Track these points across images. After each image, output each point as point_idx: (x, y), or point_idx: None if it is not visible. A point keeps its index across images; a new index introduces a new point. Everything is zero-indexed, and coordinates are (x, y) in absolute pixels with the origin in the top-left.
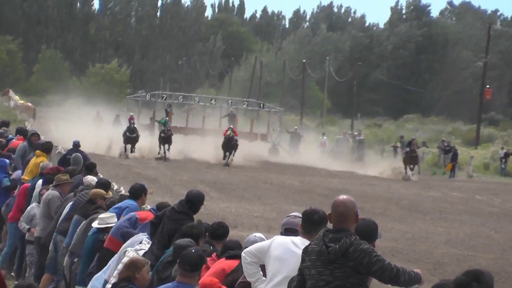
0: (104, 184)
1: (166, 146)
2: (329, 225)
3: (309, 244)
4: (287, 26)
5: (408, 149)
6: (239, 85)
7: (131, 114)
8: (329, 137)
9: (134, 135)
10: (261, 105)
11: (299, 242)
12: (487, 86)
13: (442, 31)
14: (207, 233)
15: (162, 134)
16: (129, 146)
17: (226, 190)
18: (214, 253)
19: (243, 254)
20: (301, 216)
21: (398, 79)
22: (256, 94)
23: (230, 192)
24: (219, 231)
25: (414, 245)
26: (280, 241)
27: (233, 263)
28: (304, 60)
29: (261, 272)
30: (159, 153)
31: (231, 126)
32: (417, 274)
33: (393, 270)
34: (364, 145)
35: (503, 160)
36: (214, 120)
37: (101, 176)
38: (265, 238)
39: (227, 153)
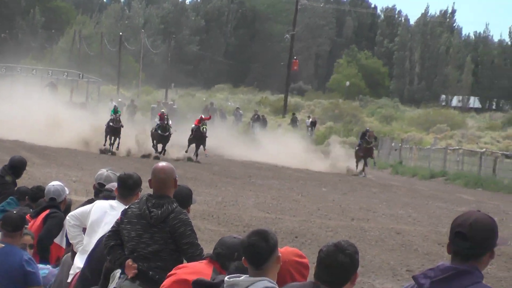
0: None
1: None
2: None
3: (129, 207)
4: (105, 0)
5: (361, 141)
6: (60, 57)
7: (163, 111)
8: (146, 107)
9: (167, 133)
10: (81, 75)
11: (116, 206)
12: (295, 58)
13: (253, 5)
14: (26, 196)
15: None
16: (160, 146)
17: (47, 157)
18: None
19: (67, 217)
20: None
21: (210, 51)
22: (76, 65)
23: (51, 159)
24: (38, 195)
25: (224, 208)
26: (100, 205)
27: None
28: (120, 33)
29: (82, 235)
30: None
31: (202, 116)
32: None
33: (198, 249)
34: (178, 112)
35: (310, 128)
36: (36, 90)
37: None
38: (63, 186)
39: (199, 147)
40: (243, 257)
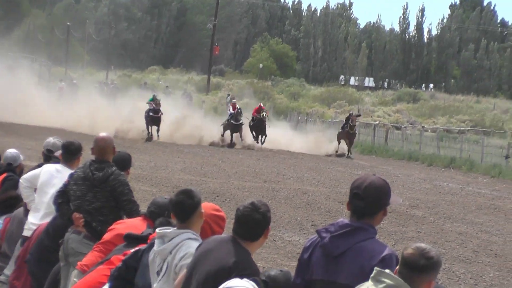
0: None
1: None
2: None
3: (75, 171)
4: None
5: (345, 125)
6: (20, 42)
7: (234, 100)
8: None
9: (240, 122)
10: (34, 59)
11: (61, 169)
12: (216, 44)
13: None
14: None
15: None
16: (236, 135)
17: (10, 130)
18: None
19: (20, 180)
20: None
21: (144, 39)
22: (30, 50)
23: (13, 132)
24: None
25: (156, 172)
26: (47, 169)
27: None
28: (68, 23)
29: (34, 195)
30: None
31: (262, 106)
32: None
33: (135, 205)
34: (118, 90)
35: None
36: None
37: None
38: (19, 153)
39: (259, 136)
40: (171, 213)
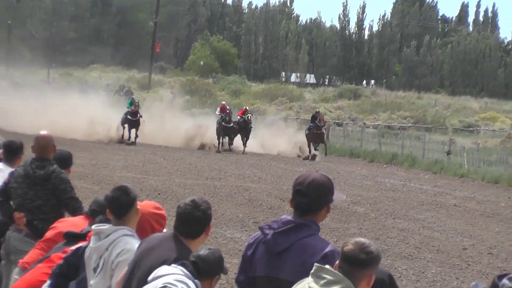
0: None
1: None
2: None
3: (15, 170)
4: None
5: (311, 124)
6: None
7: (223, 102)
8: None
9: (231, 124)
10: None
11: (2, 168)
12: (157, 42)
13: None
14: None
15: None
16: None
17: None
18: None
19: None
20: None
21: (86, 37)
22: None
23: None
24: None
25: (97, 170)
26: None
27: None
28: (9, 22)
29: None
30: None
31: (247, 108)
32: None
33: (78, 202)
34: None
35: (171, 101)
36: None
37: None
38: None
39: (244, 139)
40: (107, 209)
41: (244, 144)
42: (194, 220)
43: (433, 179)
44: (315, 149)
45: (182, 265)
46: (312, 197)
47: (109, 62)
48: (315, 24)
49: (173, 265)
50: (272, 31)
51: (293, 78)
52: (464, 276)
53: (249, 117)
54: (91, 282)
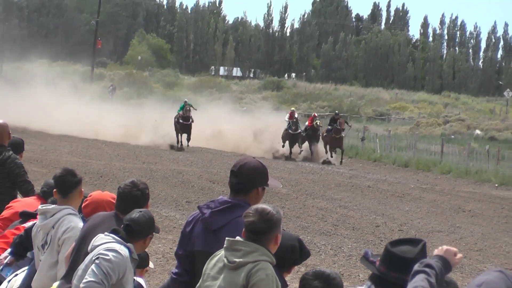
0: None
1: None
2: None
3: None
4: None
5: (330, 127)
6: None
7: (293, 109)
8: None
9: (298, 131)
10: None
11: None
12: (99, 38)
13: None
14: None
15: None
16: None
17: None
18: None
19: None
20: None
21: (35, 33)
22: None
23: None
24: None
25: (46, 155)
26: None
27: None
28: None
29: None
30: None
31: (315, 114)
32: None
33: (30, 185)
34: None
35: (111, 93)
36: None
37: None
38: None
39: (311, 145)
40: (54, 189)
41: (312, 152)
42: (133, 199)
43: (348, 163)
44: (331, 155)
45: (113, 232)
46: (242, 178)
47: (56, 57)
48: (241, 23)
49: (105, 233)
50: (202, 29)
51: (221, 71)
52: (377, 251)
53: (317, 123)
54: (41, 257)
